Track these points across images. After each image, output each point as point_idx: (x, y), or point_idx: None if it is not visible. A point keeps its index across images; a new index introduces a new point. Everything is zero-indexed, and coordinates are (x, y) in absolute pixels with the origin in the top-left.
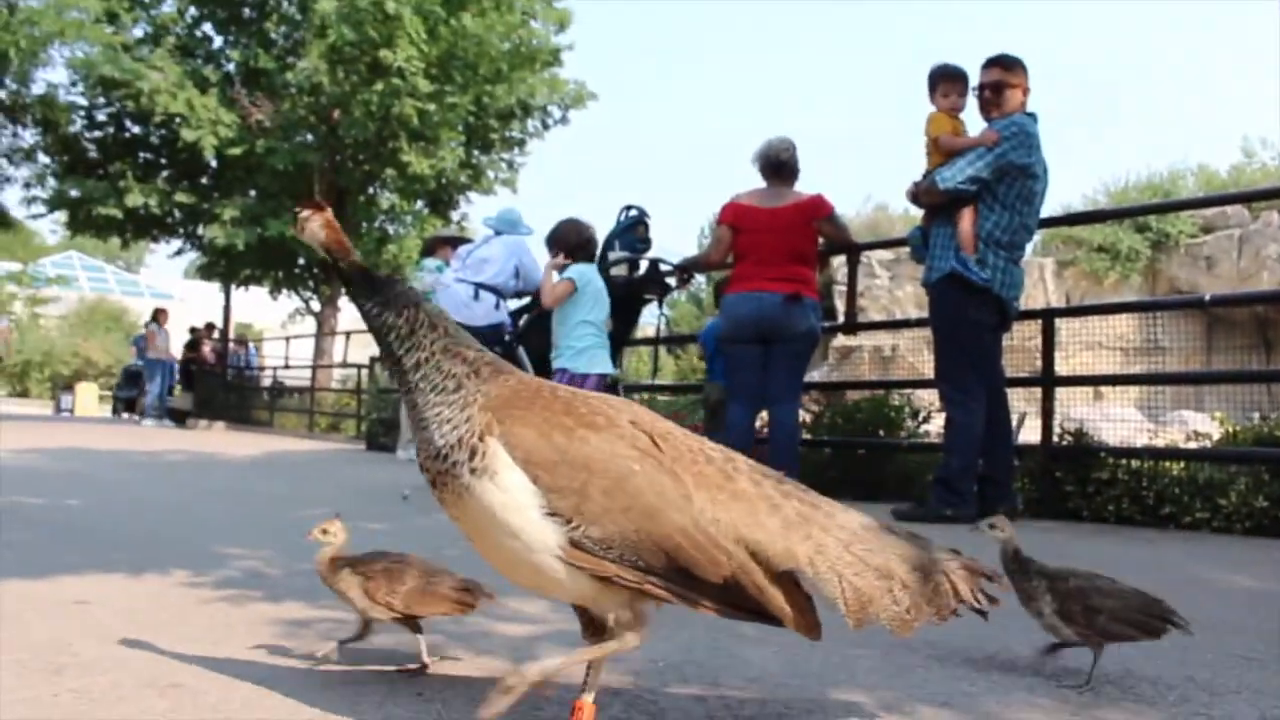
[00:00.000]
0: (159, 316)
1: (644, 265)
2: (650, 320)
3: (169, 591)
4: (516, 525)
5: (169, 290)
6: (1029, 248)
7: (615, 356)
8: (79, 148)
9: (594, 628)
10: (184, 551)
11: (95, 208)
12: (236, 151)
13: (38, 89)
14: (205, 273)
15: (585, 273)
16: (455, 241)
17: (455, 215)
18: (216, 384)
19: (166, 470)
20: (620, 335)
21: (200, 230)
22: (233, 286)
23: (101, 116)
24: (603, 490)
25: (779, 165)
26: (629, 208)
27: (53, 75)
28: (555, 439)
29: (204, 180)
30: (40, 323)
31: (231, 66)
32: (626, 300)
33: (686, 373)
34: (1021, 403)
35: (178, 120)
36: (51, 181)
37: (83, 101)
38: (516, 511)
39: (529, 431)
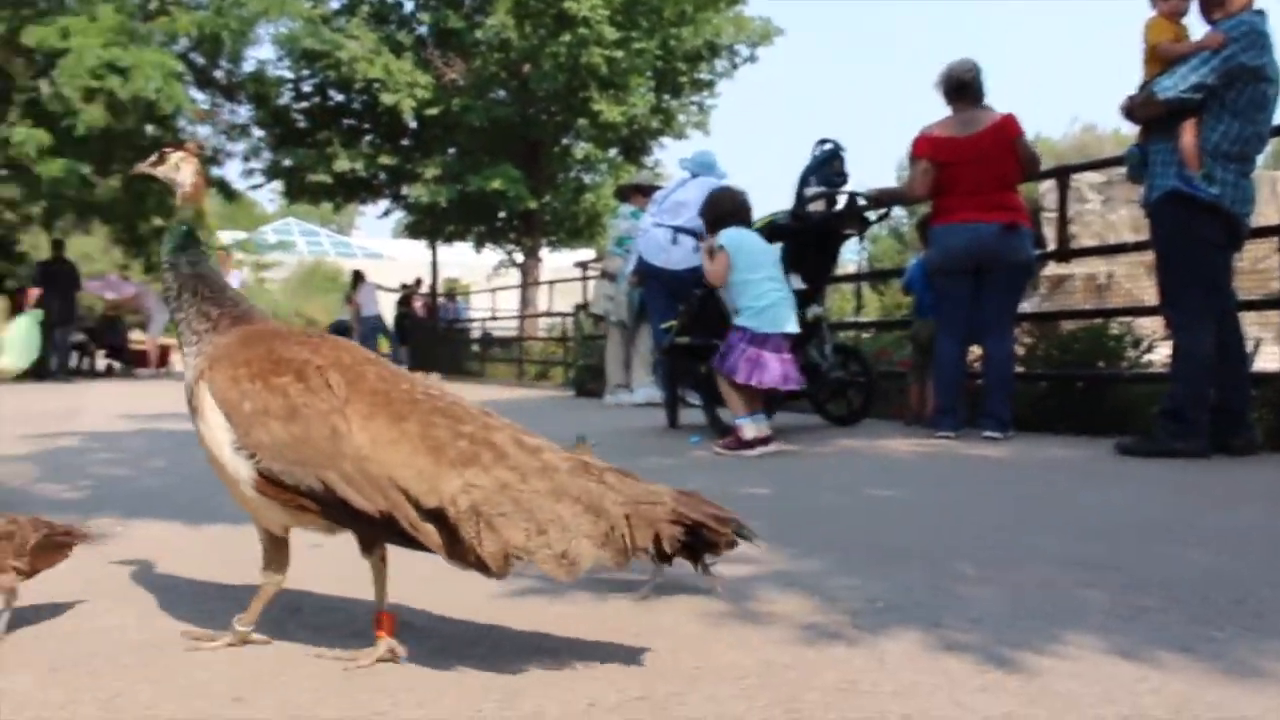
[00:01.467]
0: (358, 278)
1: (841, 200)
2: (851, 257)
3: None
4: (220, 458)
5: (379, 250)
6: (1259, 159)
7: (818, 295)
8: (289, 119)
9: (275, 563)
10: None
11: (307, 175)
12: (434, 112)
13: (248, 67)
14: (412, 231)
15: (733, 236)
16: (648, 189)
17: (649, 161)
18: (429, 337)
19: None
20: (821, 273)
21: (405, 190)
22: (438, 242)
23: (307, 88)
24: (276, 428)
25: (962, 87)
26: (823, 141)
27: (260, 53)
28: (243, 384)
29: (405, 142)
30: (266, 286)
31: (423, 29)
32: (825, 237)
33: (890, 309)
34: (1256, 328)
35: (377, 85)
36: (266, 153)
37: (289, 75)
38: (218, 446)
39: (224, 376)
